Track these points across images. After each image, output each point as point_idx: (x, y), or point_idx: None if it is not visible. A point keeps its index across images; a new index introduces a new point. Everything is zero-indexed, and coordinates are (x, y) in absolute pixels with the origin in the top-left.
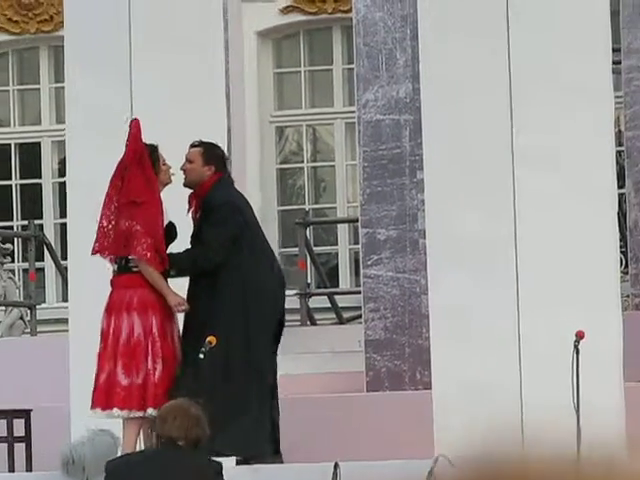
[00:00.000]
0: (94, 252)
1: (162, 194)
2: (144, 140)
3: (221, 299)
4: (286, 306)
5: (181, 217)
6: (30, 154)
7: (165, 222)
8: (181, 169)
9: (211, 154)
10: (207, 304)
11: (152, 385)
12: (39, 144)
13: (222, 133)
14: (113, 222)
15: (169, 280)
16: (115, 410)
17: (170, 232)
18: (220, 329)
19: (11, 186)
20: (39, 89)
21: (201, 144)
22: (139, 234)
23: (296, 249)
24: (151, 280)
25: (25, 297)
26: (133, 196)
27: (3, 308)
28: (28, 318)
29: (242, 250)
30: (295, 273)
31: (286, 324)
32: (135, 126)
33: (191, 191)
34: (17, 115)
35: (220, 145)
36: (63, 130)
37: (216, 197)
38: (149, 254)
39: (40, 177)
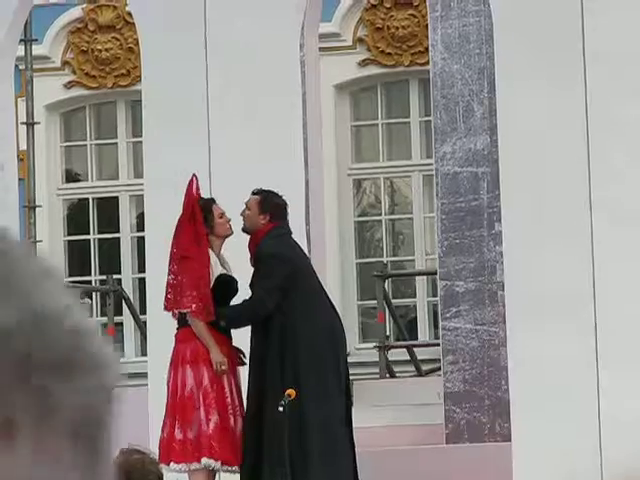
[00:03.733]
0: (165, 308)
1: (227, 245)
2: (201, 194)
3: (275, 350)
4: (365, 359)
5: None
6: (108, 208)
7: (214, 275)
8: (240, 215)
9: (268, 203)
10: (265, 355)
11: (205, 436)
12: (117, 198)
13: (300, 186)
14: (171, 277)
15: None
16: (172, 464)
17: (231, 285)
18: (286, 382)
19: (89, 240)
20: (116, 143)
21: (260, 192)
22: (185, 287)
23: (375, 302)
24: (197, 332)
25: None
26: (181, 251)
27: None
28: None
29: (292, 302)
30: (374, 326)
31: (365, 377)
32: (190, 183)
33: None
34: (95, 169)
35: (281, 195)
36: (141, 184)
37: (265, 248)
38: (194, 306)
39: (118, 231)
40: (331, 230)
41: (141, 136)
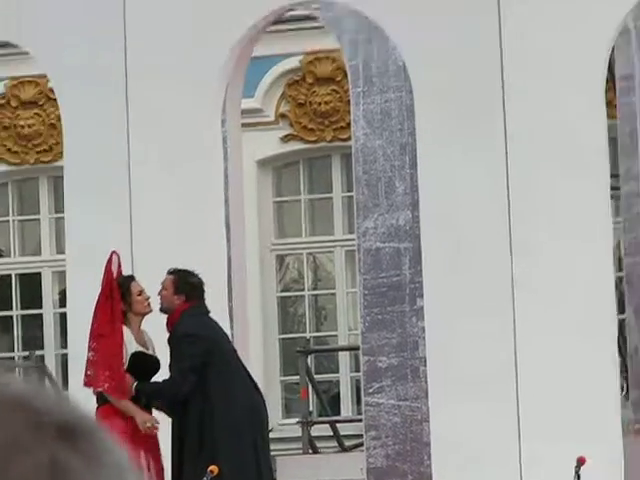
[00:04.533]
0: (84, 384)
1: (146, 322)
2: (122, 271)
3: (194, 431)
4: (288, 435)
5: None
6: (31, 284)
7: (128, 352)
8: (157, 294)
9: (182, 282)
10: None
11: None
12: (39, 274)
13: (222, 262)
14: (91, 354)
15: None
16: None
17: (147, 363)
18: (209, 456)
19: (12, 316)
20: (39, 219)
21: (175, 272)
22: (98, 366)
23: (297, 377)
24: (119, 406)
25: None
26: (97, 329)
27: None
28: None
29: (209, 381)
30: (297, 401)
31: (288, 452)
32: (109, 259)
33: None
34: (17, 245)
35: (196, 273)
36: (64, 260)
37: (179, 327)
38: (106, 385)
39: (41, 307)
40: (254, 306)
41: (64, 212)
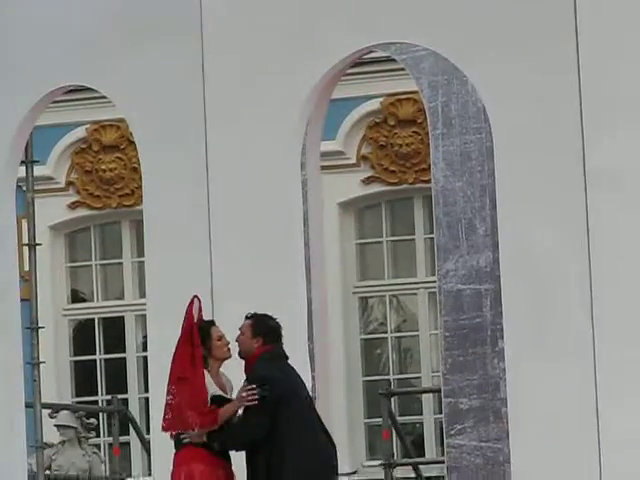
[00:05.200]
0: (163, 429)
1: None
2: (202, 316)
3: (264, 471)
4: (372, 476)
5: None
6: (114, 328)
7: (208, 396)
8: (235, 340)
9: (260, 326)
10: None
11: None
12: (123, 318)
13: (302, 305)
14: (169, 397)
15: None
16: None
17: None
18: None
19: (95, 361)
20: (122, 263)
21: (252, 316)
22: (184, 407)
23: (380, 419)
24: (222, 418)
25: (111, 472)
26: (178, 372)
27: None
28: None
29: (280, 423)
30: (380, 443)
31: None
32: (190, 304)
33: None
34: (100, 289)
35: (274, 317)
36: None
37: (255, 372)
38: (196, 426)
39: (124, 351)
40: (337, 348)
41: None
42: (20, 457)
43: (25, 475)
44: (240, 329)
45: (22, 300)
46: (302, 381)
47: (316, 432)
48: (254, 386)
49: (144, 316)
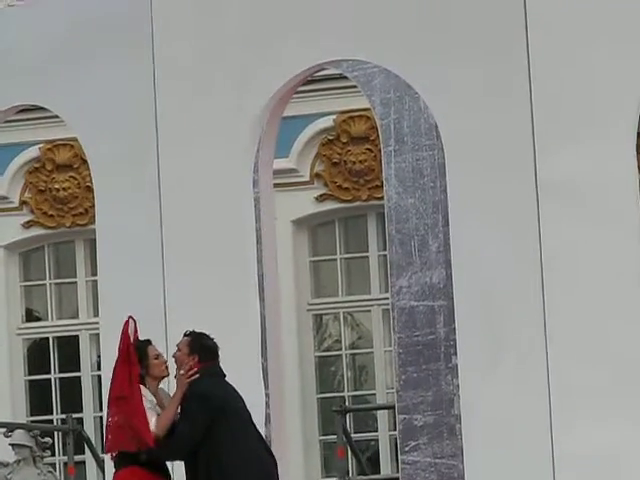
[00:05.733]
0: (105, 450)
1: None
2: (138, 336)
3: (204, 473)
4: None
5: None
6: (69, 347)
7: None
8: (172, 356)
9: (197, 344)
10: None
11: None
12: (77, 337)
13: (255, 322)
14: (109, 418)
15: None
16: None
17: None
18: None
19: (50, 380)
20: (76, 282)
21: (190, 334)
22: (120, 429)
23: (335, 437)
24: (167, 423)
25: None
26: (116, 391)
27: None
28: None
29: (218, 433)
30: (335, 461)
31: None
32: (125, 324)
33: None
34: (55, 308)
35: (211, 337)
36: None
37: (192, 387)
38: (136, 445)
39: (79, 370)
40: (292, 365)
41: None
42: None
43: None
44: (177, 345)
45: None
46: (240, 397)
47: (255, 443)
48: (190, 365)
49: (98, 335)
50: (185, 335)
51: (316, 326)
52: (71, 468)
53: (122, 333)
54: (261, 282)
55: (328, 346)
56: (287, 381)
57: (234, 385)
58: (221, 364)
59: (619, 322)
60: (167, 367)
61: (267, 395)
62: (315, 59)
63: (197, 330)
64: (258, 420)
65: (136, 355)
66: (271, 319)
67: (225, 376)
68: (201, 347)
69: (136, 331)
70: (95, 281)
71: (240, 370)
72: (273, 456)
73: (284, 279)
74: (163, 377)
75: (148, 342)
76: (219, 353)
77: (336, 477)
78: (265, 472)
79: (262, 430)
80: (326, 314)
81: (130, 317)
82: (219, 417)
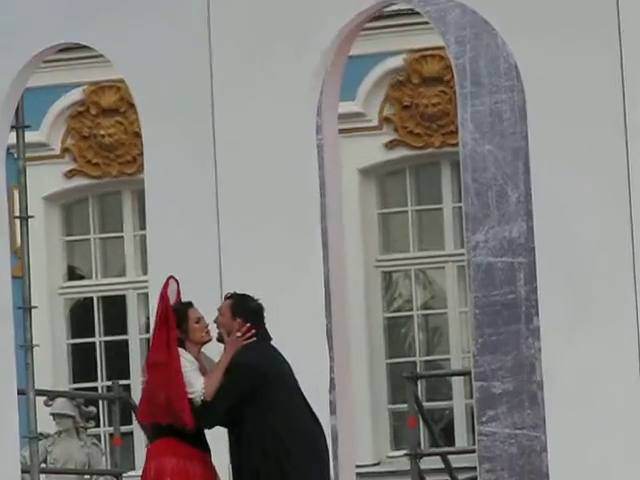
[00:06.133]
0: (138, 419)
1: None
2: (181, 299)
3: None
4: (396, 468)
5: None
6: (115, 308)
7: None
8: (214, 322)
9: (240, 306)
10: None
11: None
12: (124, 297)
13: (319, 281)
14: (144, 387)
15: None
16: None
17: None
18: None
19: (95, 343)
20: (123, 237)
21: (232, 296)
22: (159, 397)
23: (405, 405)
24: (214, 383)
25: (112, 465)
26: (152, 357)
27: (88, 477)
28: None
29: (262, 407)
30: (405, 432)
31: None
32: (164, 285)
33: None
34: (100, 265)
35: (255, 297)
36: None
37: (234, 358)
38: (185, 416)
39: (126, 333)
40: (359, 328)
41: None
42: (12, 449)
43: (18, 469)
44: (219, 310)
45: (14, 278)
46: (286, 363)
47: (303, 414)
48: (249, 325)
49: (147, 294)
50: (226, 298)
51: (385, 284)
52: (117, 439)
53: (161, 295)
54: (325, 237)
55: (398, 306)
56: (353, 344)
57: (296, 348)
58: (281, 326)
59: None
60: (209, 332)
61: (331, 359)
62: None
63: (239, 291)
64: (321, 386)
65: (175, 318)
66: (336, 277)
67: (271, 340)
68: (245, 310)
69: (179, 293)
70: (143, 235)
71: (302, 332)
72: (320, 425)
73: (350, 233)
74: (204, 342)
75: (189, 304)
76: (264, 315)
77: (406, 450)
78: (311, 443)
79: (326, 397)
80: (396, 271)
81: (171, 277)
82: (261, 385)
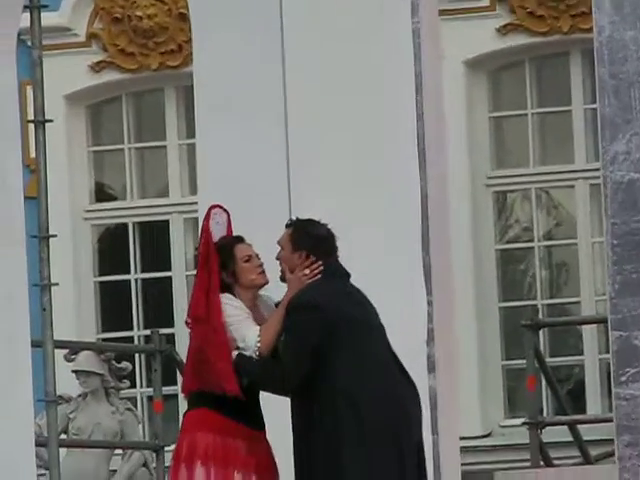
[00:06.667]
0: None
1: None
2: (231, 232)
3: (317, 427)
4: (512, 440)
5: None
6: (155, 237)
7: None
8: (276, 259)
9: (301, 237)
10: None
11: None
12: (167, 223)
13: (415, 202)
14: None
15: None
16: None
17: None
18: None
19: (129, 282)
20: (165, 147)
21: (292, 223)
22: (201, 358)
23: (523, 361)
24: (271, 333)
25: (150, 436)
26: (192, 312)
27: (120, 451)
28: (154, 464)
29: (333, 363)
30: (523, 395)
31: (512, 464)
32: (206, 215)
33: None
34: (136, 184)
35: (322, 223)
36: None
37: (297, 296)
38: (226, 385)
39: (169, 269)
40: (465, 263)
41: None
42: (24, 417)
43: (31, 442)
44: (278, 243)
45: (27, 199)
46: (369, 306)
47: (388, 374)
48: (314, 258)
49: (196, 219)
50: (287, 226)
51: (498, 208)
52: (158, 403)
53: (202, 228)
54: (421, 147)
55: (515, 235)
56: (458, 284)
57: (383, 290)
58: (363, 261)
59: None
60: (264, 272)
61: (429, 303)
62: None
63: (302, 217)
64: (417, 337)
65: (218, 259)
66: (435, 199)
67: (349, 276)
68: (309, 239)
69: (229, 224)
70: (192, 145)
71: (392, 268)
72: (414, 387)
73: (454, 143)
74: (259, 286)
75: (236, 239)
76: (336, 245)
77: (524, 417)
78: (397, 406)
79: (423, 351)
80: (512, 191)
81: (216, 206)
82: (333, 334)
